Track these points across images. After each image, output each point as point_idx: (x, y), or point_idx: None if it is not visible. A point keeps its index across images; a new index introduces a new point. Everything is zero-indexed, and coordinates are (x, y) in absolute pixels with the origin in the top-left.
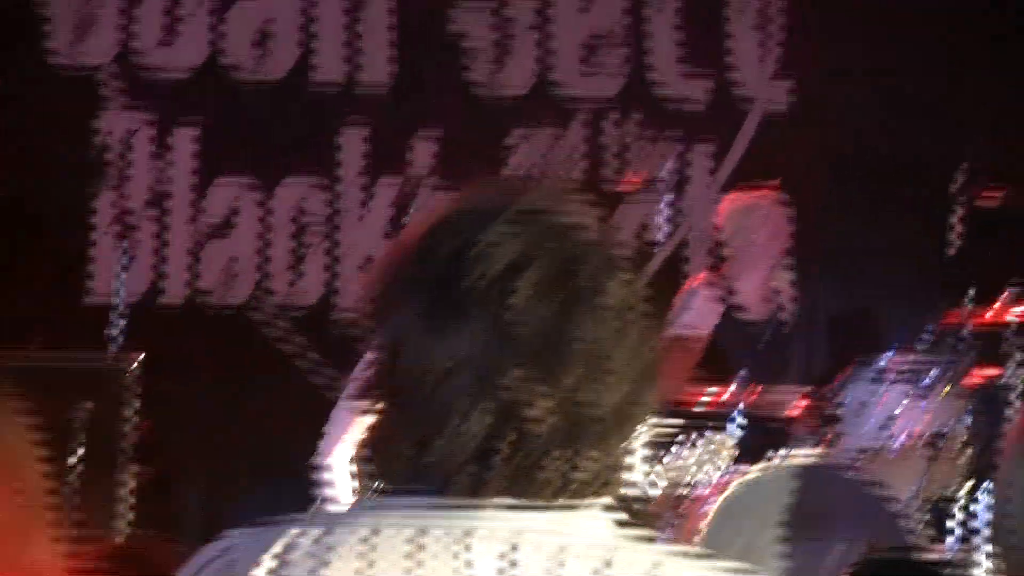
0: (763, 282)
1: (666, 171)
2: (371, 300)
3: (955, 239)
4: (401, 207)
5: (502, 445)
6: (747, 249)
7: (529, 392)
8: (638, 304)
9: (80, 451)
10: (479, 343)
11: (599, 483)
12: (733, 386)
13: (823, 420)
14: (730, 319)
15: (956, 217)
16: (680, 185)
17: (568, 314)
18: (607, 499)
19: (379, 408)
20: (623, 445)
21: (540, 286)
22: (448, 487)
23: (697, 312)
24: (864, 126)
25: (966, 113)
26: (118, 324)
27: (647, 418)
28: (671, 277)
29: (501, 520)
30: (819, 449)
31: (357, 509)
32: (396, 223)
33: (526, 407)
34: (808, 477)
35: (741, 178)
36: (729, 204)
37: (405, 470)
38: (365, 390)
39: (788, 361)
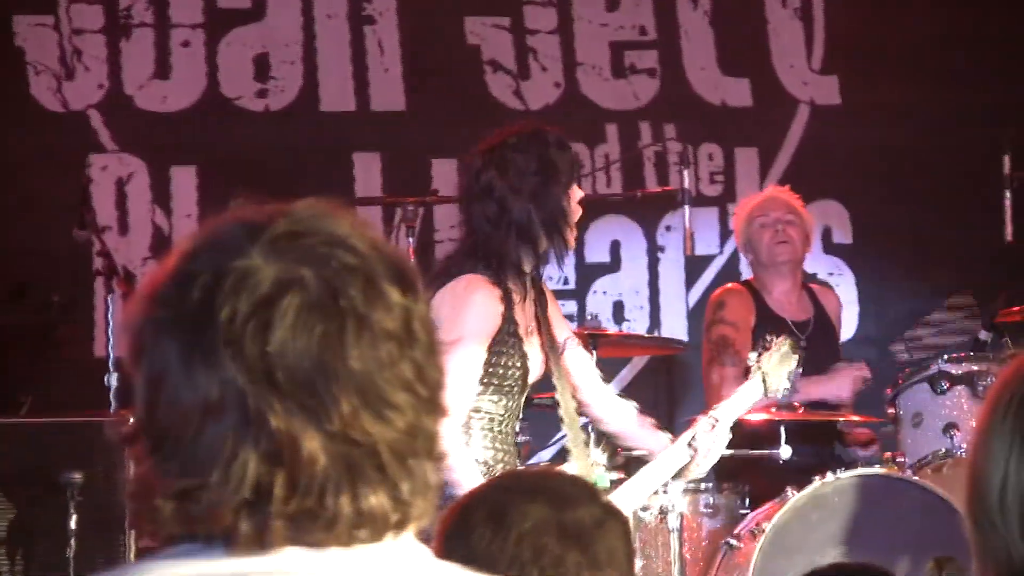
0: (793, 287)
1: (710, 177)
2: (129, 335)
3: (1008, 227)
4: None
5: (275, 489)
6: (760, 256)
7: (297, 431)
8: (416, 328)
9: (74, 520)
10: (239, 382)
11: (395, 520)
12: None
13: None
14: (767, 324)
15: (1008, 203)
16: (726, 191)
17: (332, 345)
18: (415, 530)
19: (142, 457)
20: (414, 480)
21: (299, 317)
22: (233, 538)
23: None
24: (910, 118)
25: (1012, 95)
26: (113, 384)
27: (434, 451)
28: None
29: (300, 568)
30: (876, 462)
31: (141, 567)
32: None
33: (295, 447)
34: (868, 492)
35: (791, 180)
36: (738, 214)
37: (176, 523)
38: (132, 434)
39: (831, 362)
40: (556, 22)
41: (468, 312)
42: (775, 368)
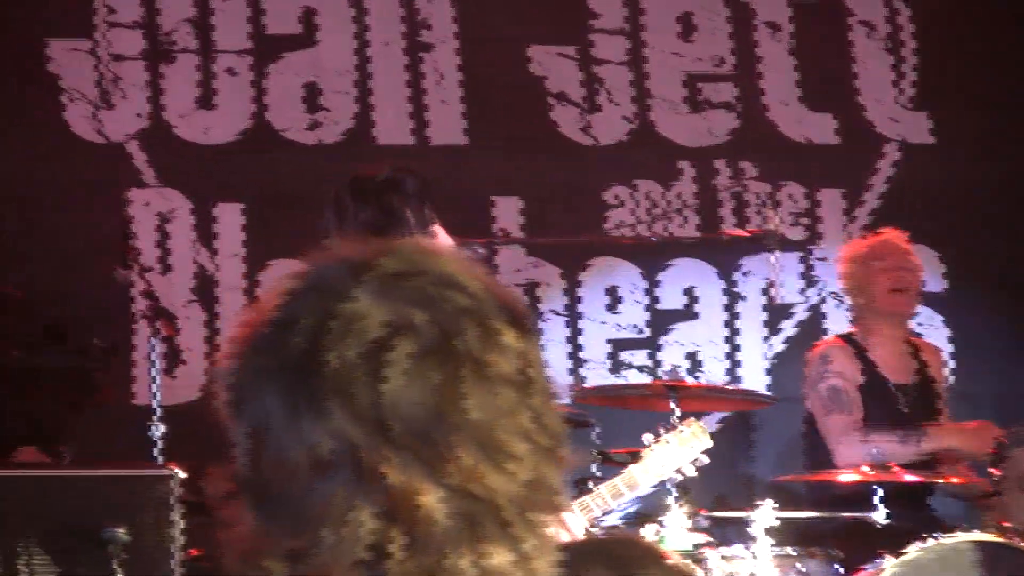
0: (899, 340)
1: (792, 219)
2: (226, 385)
3: None
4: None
5: (391, 548)
6: (874, 303)
7: (414, 486)
8: (533, 372)
9: None
10: (350, 435)
11: None
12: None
13: (982, 493)
14: (871, 385)
15: None
16: (810, 234)
17: (449, 393)
18: None
19: (244, 515)
20: (537, 535)
21: (412, 363)
22: None
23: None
24: (1006, 158)
25: None
26: (158, 434)
27: (557, 503)
28: (809, 340)
29: None
30: (979, 527)
31: None
32: None
33: (412, 503)
34: (971, 559)
35: (879, 222)
36: (847, 254)
37: None
38: (231, 490)
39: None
40: (627, 52)
41: None
42: (671, 454)
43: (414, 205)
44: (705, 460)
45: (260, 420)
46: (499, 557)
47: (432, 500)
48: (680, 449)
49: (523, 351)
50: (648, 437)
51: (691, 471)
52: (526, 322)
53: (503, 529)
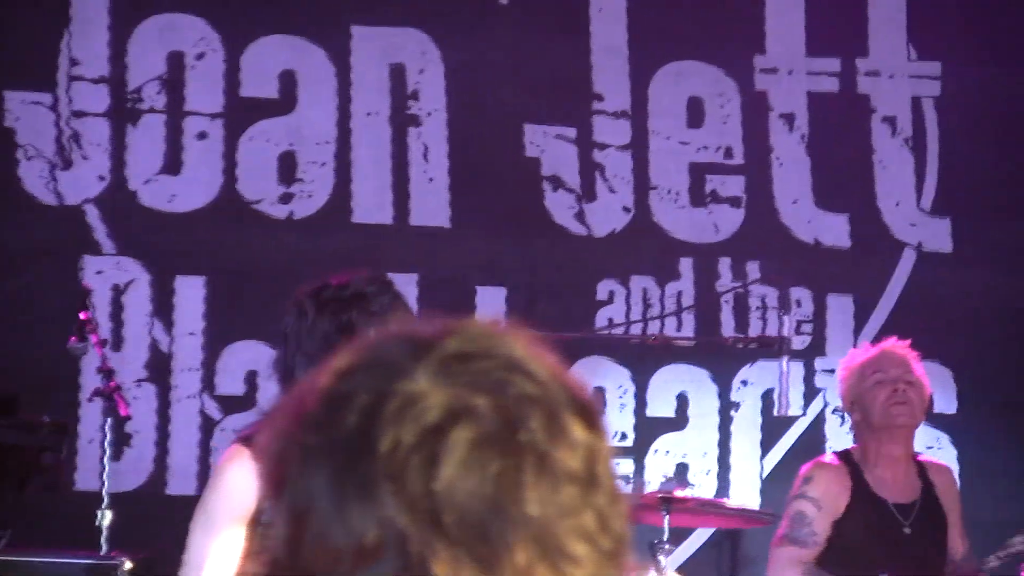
0: (900, 458)
1: (796, 327)
2: (271, 461)
3: None
4: None
5: None
6: (871, 417)
7: None
8: (600, 470)
9: None
10: (399, 523)
11: None
12: None
13: None
14: (864, 506)
15: None
16: (814, 344)
17: (509, 486)
18: None
19: None
20: None
21: (472, 452)
22: None
23: None
24: None
25: None
26: (106, 522)
27: None
28: (807, 457)
29: None
30: None
31: None
32: None
33: None
34: None
35: (889, 334)
36: (846, 366)
37: None
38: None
39: (940, 554)
40: (629, 136)
41: (214, 490)
42: None
43: (377, 324)
44: None
45: (304, 501)
46: None
47: None
48: None
49: (591, 446)
50: None
51: None
52: (595, 415)
53: None
